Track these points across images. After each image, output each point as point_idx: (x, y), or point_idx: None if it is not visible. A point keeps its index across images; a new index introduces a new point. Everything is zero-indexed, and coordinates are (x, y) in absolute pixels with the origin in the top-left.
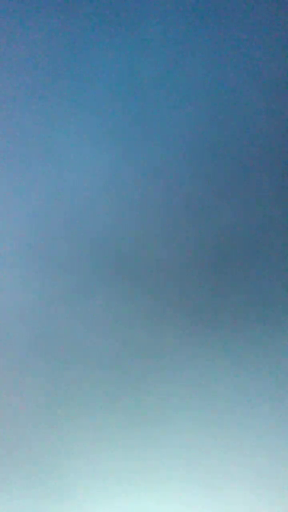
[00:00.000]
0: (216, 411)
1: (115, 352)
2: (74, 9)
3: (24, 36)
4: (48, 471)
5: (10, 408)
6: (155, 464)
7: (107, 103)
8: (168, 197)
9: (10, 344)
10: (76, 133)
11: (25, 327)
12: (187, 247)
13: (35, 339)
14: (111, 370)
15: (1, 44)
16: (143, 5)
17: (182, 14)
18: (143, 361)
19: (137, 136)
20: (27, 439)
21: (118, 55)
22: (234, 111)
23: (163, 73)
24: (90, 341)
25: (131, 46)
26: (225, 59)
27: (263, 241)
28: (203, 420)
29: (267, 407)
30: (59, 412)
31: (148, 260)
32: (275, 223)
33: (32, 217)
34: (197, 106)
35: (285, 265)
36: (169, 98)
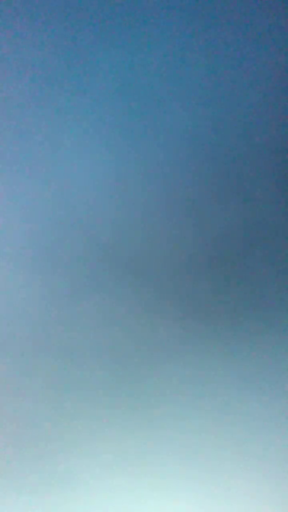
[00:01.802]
0: (214, 400)
1: (116, 344)
2: (74, 10)
3: (25, 37)
4: (50, 459)
5: (15, 398)
6: (155, 451)
7: (109, 105)
8: (169, 197)
9: (15, 337)
10: (78, 133)
11: (30, 322)
12: (187, 246)
13: (39, 333)
14: (113, 362)
15: (1, 44)
16: (143, 6)
17: (182, 15)
18: (144, 353)
19: (138, 137)
20: (30, 428)
21: (119, 56)
22: (234, 113)
23: (164, 75)
24: (91, 334)
25: (132, 48)
26: (225, 60)
27: (261, 240)
28: (202, 409)
29: (264, 400)
30: (63, 403)
31: (148, 258)
32: (273, 223)
33: (36, 215)
34: (197, 108)
35: (282, 262)
36: (170, 100)
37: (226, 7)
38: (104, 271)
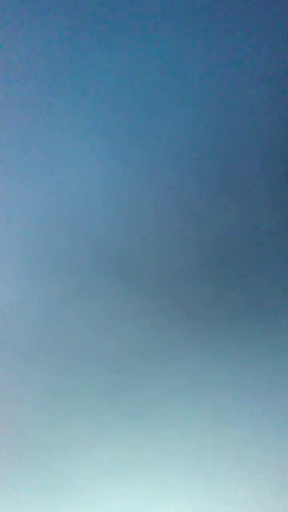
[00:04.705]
0: (213, 405)
1: (114, 349)
2: (73, 11)
3: (24, 39)
4: (49, 466)
5: (12, 405)
6: (154, 458)
7: (106, 106)
8: (165, 199)
9: (11, 343)
10: (75, 136)
11: (26, 327)
12: (184, 248)
13: (35, 338)
14: (111, 367)
15: (1, 45)
16: (143, 8)
17: (181, 16)
18: (141, 359)
19: (135, 139)
20: (29, 435)
21: (117, 59)
22: (231, 115)
23: (162, 77)
24: (89, 339)
25: (130, 51)
26: (224, 62)
27: (259, 242)
28: (201, 414)
29: (264, 404)
30: (61, 408)
31: (146, 261)
32: (270, 225)
33: (32, 219)
34: (194, 111)
35: (280, 264)
36: (167, 102)
37: (226, 7)
38: (101, 276)
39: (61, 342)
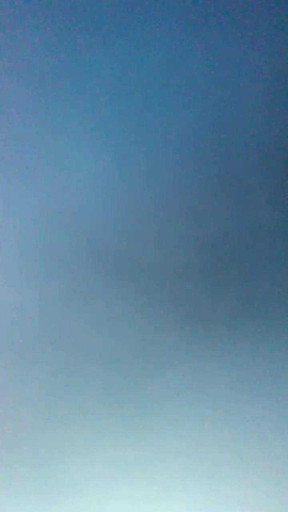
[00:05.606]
0: (213, 406)
1: (114, 350)
2: (73, 10)
3: (24, 39)
4: (48, 467)
5: (11, 406)
6: (154, 458)
7: (106, 107)
8: (165, 199)
9: (10, 344)
10: (76, 136)
11: (25, 327)
12: (184, 248)
13: (35, 339)
14: (110, 368)
15: (1, 45)
16: (143, 6)
17: (181, 16)
18: (141, 359)
19: (135, 140)
20: (28, 436)
21: (117, 59)
22: (232, 116)
23: (162, 77)
24: (89, 340)
25: (131, 52)
26: (224, 62)
27: (258, 242)
28: (200, 415)
29: (264, 405)
30: (60, 409)
31: (146, 261)
32: (270, 225)
33: (33, 219)
34: (195, 111)
35: (280, 264)
36: (168, 103)
37: (226, 7)
38: (100, 277)
39: (61, 342)
